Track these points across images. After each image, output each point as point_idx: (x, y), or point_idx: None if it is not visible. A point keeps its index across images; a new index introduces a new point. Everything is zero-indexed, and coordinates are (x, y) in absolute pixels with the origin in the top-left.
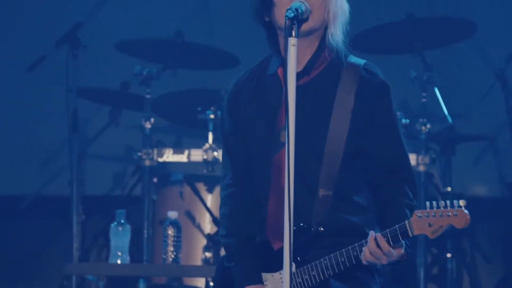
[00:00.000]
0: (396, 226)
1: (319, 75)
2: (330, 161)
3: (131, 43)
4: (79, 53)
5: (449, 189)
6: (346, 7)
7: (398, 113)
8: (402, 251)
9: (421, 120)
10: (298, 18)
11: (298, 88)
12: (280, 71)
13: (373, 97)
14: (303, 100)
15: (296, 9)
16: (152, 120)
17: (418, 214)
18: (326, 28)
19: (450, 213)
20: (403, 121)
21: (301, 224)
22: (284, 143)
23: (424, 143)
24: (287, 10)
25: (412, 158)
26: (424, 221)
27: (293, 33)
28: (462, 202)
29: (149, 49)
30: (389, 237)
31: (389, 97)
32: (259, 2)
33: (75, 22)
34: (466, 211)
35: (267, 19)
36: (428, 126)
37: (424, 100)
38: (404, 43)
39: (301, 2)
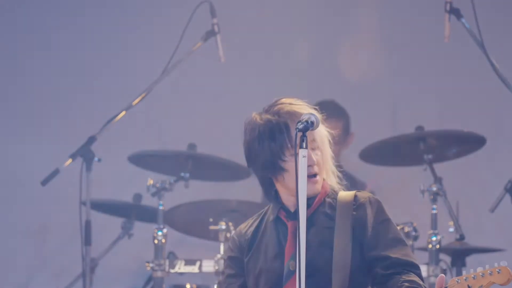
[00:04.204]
0: None
1: (320, 206)
2: (339, 278)
3: (144, 156)
4: (93, 166)
5: None
6: (330, 149)
7: (409, 224)
8: None
9: (431, 231)
10: (309, 129)
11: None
12: (282, 213)
13: (370, 210)
14: (308, 230)
15: (307, 121)
16: (165, 231)
17: (456, 280)
18: None
19: (492, 271)
20: (413, 233)
21: None
22: (294, 272)
23: (435, 255)
24: (298, 122)
25: (423, 270)
26: (463, 285)
27: (304, 145)
28: (503, 263)
29: (162, 162)
30: None
31: (383, 209)
32: (272, 167)
33: (89, 136)
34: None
35: (269, 175)
36: (439, 237)
37: (434, 212)
38: (413, 155)
39: (311, 113)
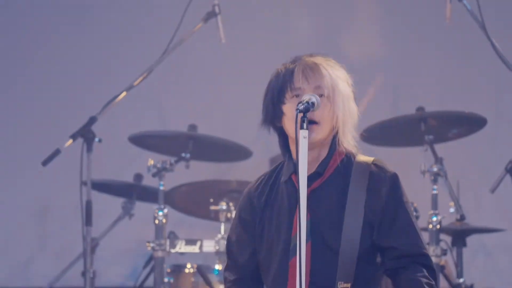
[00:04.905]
0: None
1: (332, 175)
2: (346, 256)
3: (145, 136)
4: (94, 147)
5: (461, 280)
6: (354, 109)
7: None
8: None
9: (432, 212)
10: (310, 111)
11: (314, 191)
12: (294, 176)
13: (384, 190)
14: (319, 201)
15: (307, 102)
16: (165, 211)
17: None
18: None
19: None
20: (414, 213)
21: None
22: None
23: (435, 235)
24: (298, 103)
25: None
26: None
27: (305, 126)
28: None
29: (162, 142)
30: None
31: (400, 187)
32: (272, 111)
33: (90, 116)
34: None
35: (278, 124)
36: (439, 218)
37: (434, 192)
38: (414, 136)
39: (312, 94)
